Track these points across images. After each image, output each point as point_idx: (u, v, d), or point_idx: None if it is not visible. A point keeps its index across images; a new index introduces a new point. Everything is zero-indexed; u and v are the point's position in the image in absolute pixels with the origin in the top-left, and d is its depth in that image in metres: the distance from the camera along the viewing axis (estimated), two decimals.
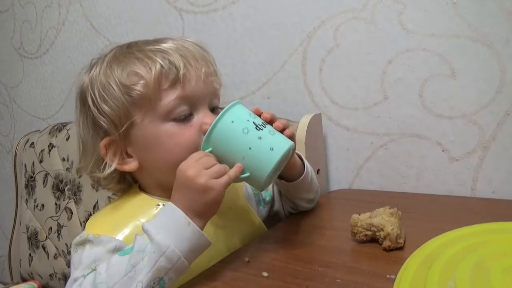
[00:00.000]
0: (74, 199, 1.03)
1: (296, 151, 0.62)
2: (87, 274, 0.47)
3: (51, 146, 1.09)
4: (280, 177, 0.60)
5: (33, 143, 1.14)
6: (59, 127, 1.10)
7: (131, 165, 0.55)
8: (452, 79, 0.70)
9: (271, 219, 0.68)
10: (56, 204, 1.07)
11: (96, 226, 0.54)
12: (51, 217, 1.07)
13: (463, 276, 0.37)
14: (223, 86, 0.60)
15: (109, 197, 0.95)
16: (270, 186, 0.69)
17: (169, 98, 0.52)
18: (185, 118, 0.53)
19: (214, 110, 0.57)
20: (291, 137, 0.53)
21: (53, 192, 1.08)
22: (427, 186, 0.75)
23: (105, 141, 0.54)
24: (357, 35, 0.77)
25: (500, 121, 0.68)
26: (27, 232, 1.13)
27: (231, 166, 0.49)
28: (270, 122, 0.52)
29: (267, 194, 0.68)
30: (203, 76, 0.54)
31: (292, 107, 0.86)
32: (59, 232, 1.05)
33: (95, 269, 0.48)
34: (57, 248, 1.06)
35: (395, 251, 0.50)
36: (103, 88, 0.53)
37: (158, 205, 0.55)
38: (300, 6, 0.83)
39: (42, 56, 1.31)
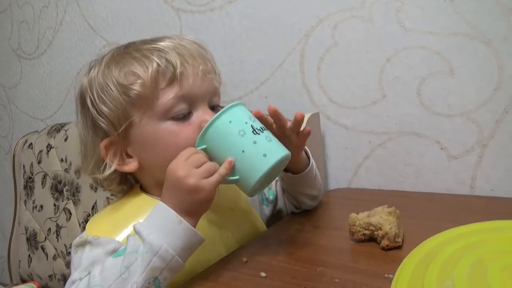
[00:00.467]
0: (72, 200, 1.03)
1: None
2: (84, 277, 0.47)
3: (49, 147, 1.09)
4: (285, 169, 0.60)
5: (31, 144, 1.14)
6: (57, 128, 1.10)
7: (131, 166, 0.55)
8: (451, 77, 0.70)
9: (274, 218, 0.68)
10: (54, 205, 1.07)
11: (96, 228, 0.54)
12: (50, 218, 1.07)
13: (461, 275, 0.37)
14: (221, 84, 0.59)
15: (107, 198, 0.95)
16: (274, 185, 0.68)
17: (167, 96, 0.52)
18: (184, 117, 0.53)
19: (214, 108, 0.56)
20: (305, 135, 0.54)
21: (52, 193, 1.08)
22: (426, 185, 0.75)
23: (105, 142, 0.54)
24: (355, 34, 0.77)
25: (498, 118, 0.68)
26: (26, 233, 1.13)
27: None
28: (275, 125, 0.52)
29: (270, 193, 0.68)
30: (200, 73, 0.53)
31: (290, 106, 0.86)
32: (58, 233, 1.05)
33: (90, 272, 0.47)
34: (56, 249, 1.05)
35: (393, 250, 0.50)
36: (101, 89, 0.53)
37: None
38: (297, 4, 0.82)
39: (40, 56, 1.30)
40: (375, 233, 0.51)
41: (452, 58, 0.70)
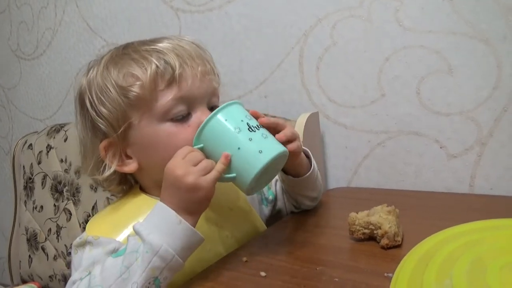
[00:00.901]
0: (72, 200, 1.03)
1: (305, 148, 0.62)
2: (84, 277, 0.47)
3: (49, 147, 1.09)
4: (287, 172, 0.60)
5: (31, 144, 1.14)
6: (57, 128, 1.10)
7: (130, 166, 0.55)
8: (449, 76, 0.70)
9: (274, 217, 0.68)
10: (55, 205, 1.07)
11: (95, 228, 0.54)
12: (50, 218, 1.07)
13: (460, 273, 0.37)
14: (220, 85, 0.59)
15: (107, 198, 0.95)
16: (273, 185, 0.68)
17: (166, 98, 0.52)
18: (183, 118, 0.53)
19: (213, 109, 0.56)
20: (291, 141, 0.52)
21: (52, 194, 1.08)
22: (425, 184, 0.75)
23: (104, 143, 0.54)
24: (353, 33, 0.77)
25: (497, 117, 0.68)
26: (27, 233, 1.13)
27: None
28: (269, 128, 0.52)
29: (270, 193, 0.68)
30: (199, 75, 0.53)
31: (290, 105, 0.86)
32: (58, 233, 1.05)
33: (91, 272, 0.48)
34: (56, 250, 1.06)
35: (392, 249, 0.50)
36: (100, 90, 0.53)
37: None
38: (296, 4, 0.82)
39: (39, 57, 1.30)
40: (375, 232, 0.51)
41: (451, 57, 0.70)
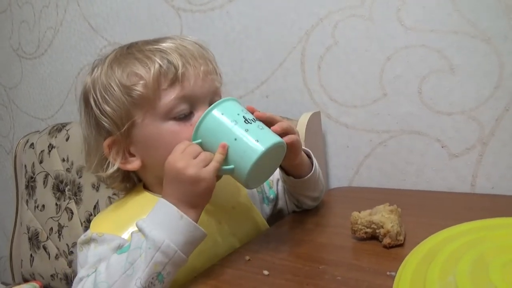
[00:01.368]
0: (74, 200, 1.03)
1: (306, 148, 0.62)
2: (91, 274, 0.48)
3: (50, 146, 1.09)
4: (288, 173, 0.61)
5: (32, 143, 1.14)
6: (59, 128, 1.10)
7: (133, 164, 0.55)
8: (451, 75, 0.70)
9: (275, 217, 0.68)
10: (56, 204, 1.07)
11: (100, 225, 0.55)
12: (51, 217, 1.08)
13: (463, 272, 0.38)
14: (222, 84, 0.60)
15: (109, 197, 0.95)
16: (275, 184, 0.69)
17: (169, 97, 0.52)
18: (185, 117, 0.53)
19: None
20: (288, 134, 0.52)
21: (54, 193, 1.08)
22: (427, 183, 0.75)
23: (108, 141, 0.55)
24: (355, 32, 0.77)
25: (499, 116, 0.68)
26: (28, 232, 1.13)
27: None
28: (265, 122, 0.52)
29: (271, 192, 0.68)
30: (202, 74, 0.54)
31: (291, 105, 0.86)
32: (60, 232, 1.05)
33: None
34: (58, 249, 1.06)
35: (395, 248, 0.50)
36: (104, 89, 0.54)
37: None
38: (297, 3, 0.83)
39: (41, 56, 1.30)
40: (377, 231, 0.51)
41: (452, 56, 0.70)
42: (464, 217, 0.50)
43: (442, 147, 0.73)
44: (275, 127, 0.52)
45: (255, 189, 0.66)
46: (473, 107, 0.70)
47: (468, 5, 0.67)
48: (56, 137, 1.09)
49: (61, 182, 1.06)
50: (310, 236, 0.58)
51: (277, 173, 0.65)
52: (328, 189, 0.84)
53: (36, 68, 1.33)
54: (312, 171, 0.61)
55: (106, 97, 0.53)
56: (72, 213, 1.03)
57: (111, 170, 0.55)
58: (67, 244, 1.04)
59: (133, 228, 0.51)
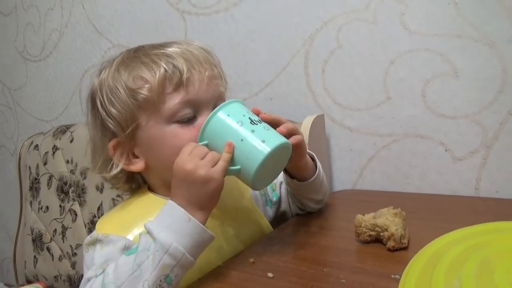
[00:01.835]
0: (78, 201, 1.04)
1: (310, 151, 0.63)
2: (99, 275, 0.48)
3: (55, 148, 1.10)
4: (292, 176, 0.61)
5: (37, 145, 1.15)
6: (63, 130, 1.11)
7: (137, 166, 0.56)
8: (455, 79, 0.71)
9: (278, 219, 0.68)
10: (60, 206, 1.07)
11: (105, 226, 0.56)
12: (55, 219, 1.08)
13: (468, 275, 0.38)
14: (227, 89, 0.60)
15: (113, 199, 0.95)
16: (278, 187, 0.69)
17: (173, 101, 0.53)
18: (189, 120, 0.54)
19: None
20: (294, 133, 0.53)
21: (58, 194, 1.08)
22: (431, 186, 0.76)
23: (113, 142, 0.56)
24: (359, 36, 0.78)
25: (502, 120, 0.68)
26: (32, 234, 1.14)
27: None
28: (270, 124, 0.53)
29: (274, 194, 0.69)
30: (206, 79, 0.55)
31: (295, 108, 0.86)
32: (63, 234, 1.06)
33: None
34: (61, 250, 1.06)
35: (399, 251, 0.50)
36: (110, 91, 0.55)
37: None
38: (301, 7, 0.83)
39: (46, 58, 1.31)
40: (381, 234, 0.52)
41: (456, 60, 0.70)
42: (468, 221, 0.50)
43: (446, 150, 0.74)
44: (281, 128, 0.52)
45: (258, 192, 0.66)
46: (477, 111, 0.70)
47: (472, 9, 0.67)
48: (60, 138, 1.09)
49: (65, 183, 1.07)
50: (314, 239, 0.58)
51: (280, 176, 0.66)
52: (332, 192, 0.84)
53: (41, 70, 1.34)
54: (316, 173, 0.61)
55: (112, 99, 0.54)
56: (76, 214, 1.04)
57: (115, 171, 0.56)
58: (70, 246, 1.04)
59: (138, 229, 0.52)
